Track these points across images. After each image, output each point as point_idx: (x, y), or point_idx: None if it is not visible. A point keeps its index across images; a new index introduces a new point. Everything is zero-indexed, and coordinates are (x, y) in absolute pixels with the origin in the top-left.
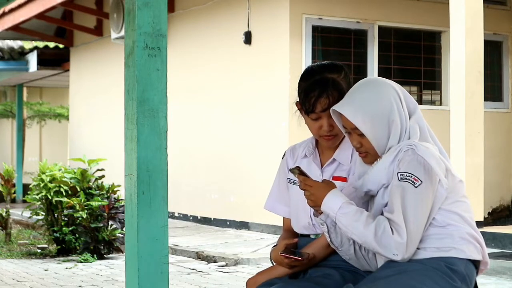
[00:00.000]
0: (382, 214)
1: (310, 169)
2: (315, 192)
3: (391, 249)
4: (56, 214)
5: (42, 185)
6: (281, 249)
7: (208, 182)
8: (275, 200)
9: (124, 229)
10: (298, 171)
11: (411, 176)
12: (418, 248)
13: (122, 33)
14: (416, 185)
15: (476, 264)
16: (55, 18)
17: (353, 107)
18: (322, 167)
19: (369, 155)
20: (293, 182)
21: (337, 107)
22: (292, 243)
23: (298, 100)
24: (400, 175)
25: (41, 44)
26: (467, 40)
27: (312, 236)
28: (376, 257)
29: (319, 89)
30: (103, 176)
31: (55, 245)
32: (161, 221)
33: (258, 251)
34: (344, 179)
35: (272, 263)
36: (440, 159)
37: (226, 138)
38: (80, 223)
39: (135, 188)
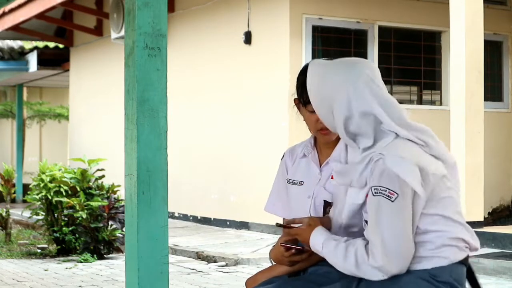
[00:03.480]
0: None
1: (309, 168)
2: (301, 238)
3: (373, 273)
4: (56, 214)
5: (42, 185)
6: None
7: (208, 182)
8: (275, 201)
9: (124, 229)
10: (280, 225)
11: (386, 190)
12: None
13: (122, 33)
14: (392, 199)
15: (464, 261)
16: (55, 18)
17: (313, 81)
18: (320, 166)
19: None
20: (292, 182)
21: (312, 64)
22: (292, 239)
23: (296, 97)
24: (374, 189)
25: (41, 44)
26: (467, 40)
27: None
28: None
29: None
30: (103, 176)
31: (55, 245)
32: (161, 221)
33: (258, 251)
34: None
35: (272, 262)
36: (414, 166)
37: (226, 138)
38: (80, 223)
39: (135, 188)
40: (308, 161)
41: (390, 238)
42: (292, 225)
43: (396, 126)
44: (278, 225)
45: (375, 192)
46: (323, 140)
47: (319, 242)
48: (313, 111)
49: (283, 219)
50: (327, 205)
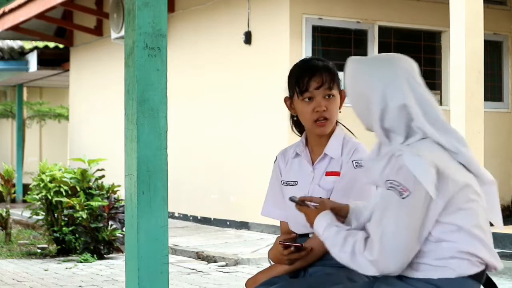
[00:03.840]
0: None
1: (302, 167)
2: (307, 218)
3: (367, 267)
4: (56, 214)
5: (42, 185)
6: (280, 244)
7: (208, 182)
8: (271, 205)
9: (124, 229)
10: (293, 201)
11: (399, 186)
12: (412, 264)
13: (122, 33)
14: (403, 196)
15: (476, 276)
16: (55, 18)
17: (351, 75)
18: (313, 164)
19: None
20: (286, 183)
21: (351, 60)
22: (290, 237)
23: (287, 96)
24: (389, 183)
25: (41, 44)
26: (467, 40)
27: (310, 236)
28: None
29: (313, 69)
30: (103, 176)
31: (55, 245)
32: (161, 221)
33: (258, 251)
34: (337, 174)
35: (270, 263)
36: (431, 167)
37: (226, 138)
38: (80, 223)
39: (135, 188)
40: (301, 160)
41: (391, 235)
42: (307, 202)
43: (427, 125)
44: (291, 199)
45: (389, 186)
46: (318, 132)
47: (322, 226)
48: (309, 99)
49: (296, 204)
50: None
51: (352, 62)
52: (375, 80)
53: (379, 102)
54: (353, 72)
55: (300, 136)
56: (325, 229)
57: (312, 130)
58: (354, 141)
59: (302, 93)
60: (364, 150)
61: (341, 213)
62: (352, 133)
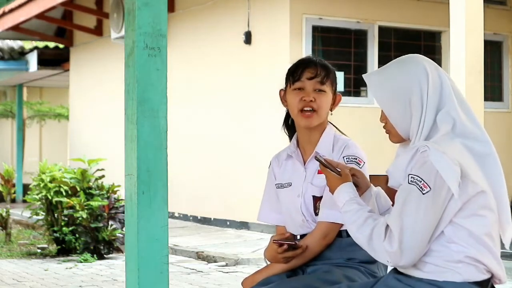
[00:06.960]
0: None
1: (295, 168)
2: (329, 184)
3: (382, 255)
4: (56, 214)
5: (42, 185)
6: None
7: (208, 182)
8: (267, 210)
9: (124, 229)
10: (319, 160)
11: (421, 182)
12: (419, 262)
13: (122, 33)
14: (423, 192)
15: (481, 284)
16: (55, 18)
17: (376, 80)
18: (305, 164)
19: (391, 135)
20: (281, 186)
21: (366, 75)
22: (284, 237)
23: (282, 88)
24: (411, 177)
25: (41, 44)
26: (467, 40)
27: None
28: None
29: (309, 62)
30: (103, 176)
31: (55, 245)
32: (161, 221)
33: (258, 251)
34: None
35: (267, 262)
36: (455, 165)
37: (226, 138)
38: (80, 223)
39: (135, 188)
40: (293, 161)
41: (410, 231)
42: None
43: (466, 131)
44: (317, 158)
45: (410, 180)
46: (304, 124)
47: (343, 199)
48: (300, 89)
49: (320, 164)
50: (317, 200)
51: (379, 70)
52: (414, 77)
53: (422, 100)
54: (386, 74)
55: (291, 138)
56: (346, 202)
57: (298, 122)
58: (344, 138)
59: (294, 82)
60: (355, 146)
61: (363, 187)
62: (342, 132)
